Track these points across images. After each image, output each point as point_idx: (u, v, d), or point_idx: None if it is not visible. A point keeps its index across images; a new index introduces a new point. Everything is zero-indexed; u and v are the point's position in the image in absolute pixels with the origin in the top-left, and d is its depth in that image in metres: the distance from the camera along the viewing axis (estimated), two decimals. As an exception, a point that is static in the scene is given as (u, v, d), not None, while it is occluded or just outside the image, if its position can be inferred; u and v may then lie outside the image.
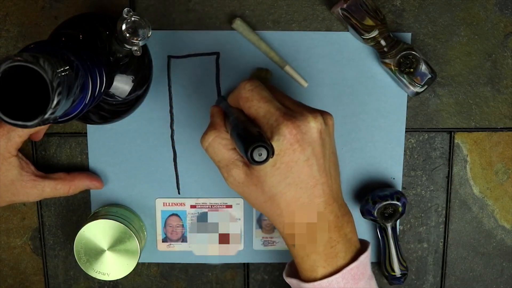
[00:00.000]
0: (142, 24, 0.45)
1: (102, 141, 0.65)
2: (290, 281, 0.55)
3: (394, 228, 0.65)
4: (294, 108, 0.49)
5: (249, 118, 0.49)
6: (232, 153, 0.50)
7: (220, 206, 0.66)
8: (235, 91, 0.51)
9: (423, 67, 0.61)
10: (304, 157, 0.47)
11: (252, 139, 0.44)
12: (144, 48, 0.56)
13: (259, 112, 0.48)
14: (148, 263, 0.68)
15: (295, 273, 0.55)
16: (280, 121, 0.47)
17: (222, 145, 0.50)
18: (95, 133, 0.64)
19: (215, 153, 0.51)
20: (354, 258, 0.52)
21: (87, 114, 0.55)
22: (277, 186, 0.48)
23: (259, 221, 0.67)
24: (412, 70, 0.61)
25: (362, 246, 0.54)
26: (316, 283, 0.51)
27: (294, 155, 0.47)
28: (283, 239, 0.53)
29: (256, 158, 0.43)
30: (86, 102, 0.45)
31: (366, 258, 0.52)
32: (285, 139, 0.47)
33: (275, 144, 0.47)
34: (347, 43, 0.63)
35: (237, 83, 0.63)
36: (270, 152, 0.43)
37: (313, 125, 0.48)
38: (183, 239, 0.67)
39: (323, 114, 0.49)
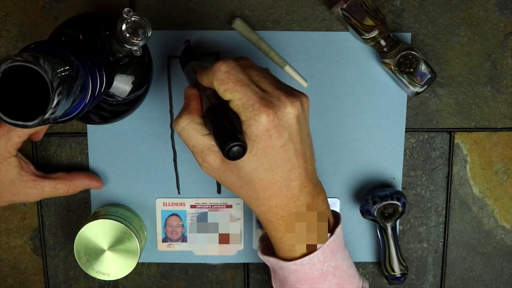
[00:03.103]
0: (142, 24, 0.45)
1: (102, 141, 0.65)
2: (267, 259, 0.55)
3: (394, 228, 0.65)
4: (271, 91, 0.48)
5: (224, 101, 0.48)
6: (207, 139, 0.49)
7: (220, 206, 0.66)
8: (208, 71, 0.49)
9: (423, 67, 0.61)
10: (280, 142, 0.47)
11: (228, 137, 0.45)
12: (144, 48, 0.56)
13: (234, 96, 0.47)
14: (148, 263, 0.68)
15: (271, 251, 0.55)
16: (256, 107, 0.46)
17: (196, 130, 0.49)
18: (95, 133, 0.64)
19: (189, 138, 0.50)
20: (330, 233, 0.53)
21: (87, 114, 0.55)
22: (253, 172, 0.48)
23: (259, 221, 0.67)
24: (412, 70, 0.61)
25: (335, 219, 0.55)
26: (297, 261, 0.51)
27: (271, 141, 0.47)
28: (261, 222, 0.53)
29: (231, 154, 0.44)
30: (86, 102, 0.45)
31: (340, 231, 0.54)
32: (261, 125, 0.46)
33: (251, 129, 0.46)
34: (347, 43, 0.63)
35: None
36: (246, 149, 0.45)
37: (290, 111, 0.47)
38: (183, 239, 0.67)
39: (300, 97, 0.49)
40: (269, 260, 0.54)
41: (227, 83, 0.47)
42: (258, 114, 0.46)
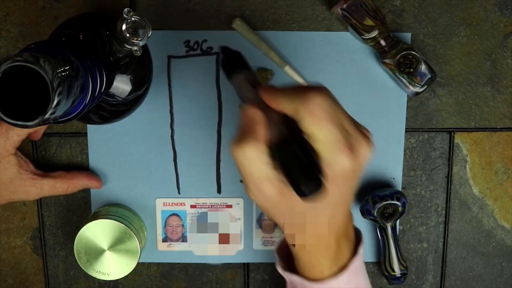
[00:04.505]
0: (142, 24, 0.45)
1: (102, 141, 0.65)
2: (290, 277, 0.53)
3: (394, 228, 0.65)
4: (352, 133, 0.45)
5: (297, 130, 0.44)
6: (266, 167, 0.44)
7: (220, 206, 0.66)
8: (295, 97, 0.44)
9: (423, 67, 0.61)
10: (350, 186, 0.46)
11: (307, 174, 0.41)
12: (144, 48, 0.56)
13: (322, 132, 0.43)
14: (148, 263, 0.68)
15: (292, 267, 0.53)
16: (341, 148, 0.43)
17: (260, 159, 0.44)
18: (95, 133, 0.64)
19: (249, 167, 0.45)
20: (354, 252, 0.52)
21: (87, 114, 0.55)
22: (311, 209, 0.46)
23: (259, 221, 0.67)
24: (412, 70, 0.61)
25: (356, 237, 0.54)
26: (325, 285, 0.50)
27: (343, 185, 0.45)
28: (289, 244, 0.51)
29: (307, 192, 0.41)
30: (86, 102, 0.45)
31: (362, 249, 0.53)
32: (341, 168, 0.43)
33: (330, 169, 0.43)
34: (347, 43, 0.63)
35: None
36: (323, 189, 0.41)
37: (368, 155, 0.45)
38: (183, 239, 0.67)
39: (371, 137, 0.46)
40: (292, 278, 0.52)
41: (319, 118, 0.43)
42: (341, 156, 0.43)
